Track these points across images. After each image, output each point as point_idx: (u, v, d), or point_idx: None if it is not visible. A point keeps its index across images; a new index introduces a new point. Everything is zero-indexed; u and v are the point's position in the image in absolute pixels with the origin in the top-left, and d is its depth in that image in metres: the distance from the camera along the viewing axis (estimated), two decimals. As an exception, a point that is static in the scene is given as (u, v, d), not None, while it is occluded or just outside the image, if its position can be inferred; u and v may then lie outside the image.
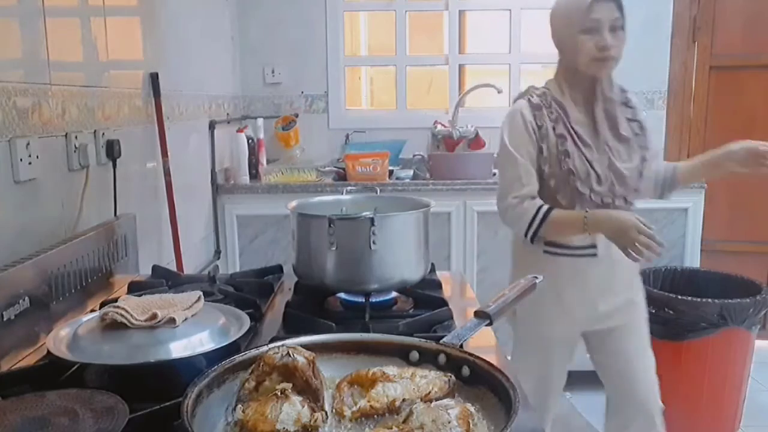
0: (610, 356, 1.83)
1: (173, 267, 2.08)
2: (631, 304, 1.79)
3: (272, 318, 1.28)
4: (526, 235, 1.65)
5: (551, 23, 1.69)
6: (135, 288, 1.40)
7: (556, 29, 1.69)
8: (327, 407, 0.79)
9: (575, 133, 1.63)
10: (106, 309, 1.04)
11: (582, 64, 1.62)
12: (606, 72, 1.64)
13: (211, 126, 2.72)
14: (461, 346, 0.90)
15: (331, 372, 0.87)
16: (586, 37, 1.59)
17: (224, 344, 0.99)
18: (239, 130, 2.96)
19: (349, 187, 1.60)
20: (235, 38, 3.27)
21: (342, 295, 1.35)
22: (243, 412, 0.73)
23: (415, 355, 0.90)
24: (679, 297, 2.45)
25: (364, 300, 1.29)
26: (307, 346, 0.83)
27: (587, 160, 1.62)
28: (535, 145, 1.63)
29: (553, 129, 1.63)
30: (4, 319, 1.07)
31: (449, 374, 0.84)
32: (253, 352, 0.84)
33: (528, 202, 1.63)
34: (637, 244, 1.50)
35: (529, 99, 1.68)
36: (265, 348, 0.85)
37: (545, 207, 1.62)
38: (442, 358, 0.88)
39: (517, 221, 1.65)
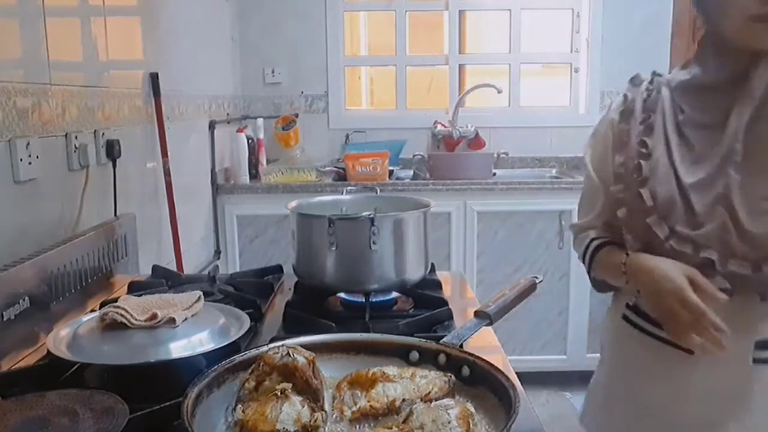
0: None
1: (173, 267, 2.08)
2: None
3: (272, 318, 1.28)
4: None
5: None
6: (135, 288, 1.40)
7: None
8: (327, 407, 0.79)
9: (679, 140, 1.07)
10: (106, 309, 1.04)
11: (730, 29, 0.98)
12: None
13: (211, 126, 2.72)
14: (461, 346, 0.90)
15: (331, 372, 0.86)
16: None
17: (224, 344, 0.98)
18: (239, 130, 2.96)
19: (349, 187, 1.60)
20: (235, 38, 3.27)
21: (342, 295, 1.35)
22: (243, 412, 0.73)
23: (415, 355, 0.90)
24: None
25: (364, 300, 1.29)
26: (307, 346, 0.83)
27: (680, 184, 1.04)
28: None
29: (643, 132, 1.11)
30: (4, 319, 1.07)
31: (449, 374, 0.84)
32: (253, 352, 0.84)
33: (582, 234, 1.22)
34: (679, 320, 0.99)
35: (625, 92, 1.18)
36: (265, 348, 0.85)
37: (596, 242, 1.18)
38: (442, 358, 0.88)
39: (579, 257, 1.25)
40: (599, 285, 1.22)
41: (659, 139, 1.09)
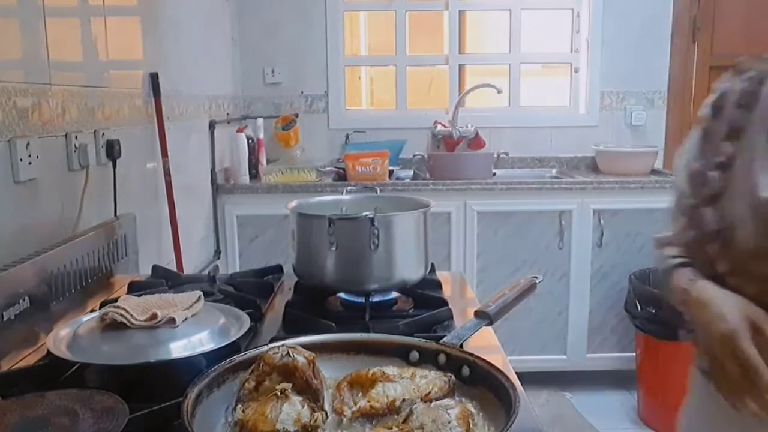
0: None
1: (173, 267, 2.08)
2: None
3: (272, 318, 1.28)
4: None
5: None
6: (135, 288, 1.40)
7: None
8: (327, 407, 0.79)
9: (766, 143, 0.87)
10: (106, 309, 1.04)
11: None
12: None
13: (211, 126, 2.72)
14: (461, 346, 0.90)
15: (331, 372, 0.86)
16: None
17: (224, 344, 0.98)
18: (239, 130, 2.96)
19: (349, 187, 1.60)
20: (235, 38, 3.27)
21: (342, 295, 1.35)
22: (243, 412, 0.73)
23: (415, 355, 0.90)
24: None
25: (364, 300, 1.29)
26: (307, 346, 0.83)
27: (755, 201, 0.85)
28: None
29: (726, 135, 0.92)
30: (4, 319, 1.07)
31: (449, 374, 0.84)
32: (253, 352, 0.84)
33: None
34: (726, 375, 0.80)
35: (722, 83, 0.99)
36: (265, 348, 0.85)
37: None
38: (442, 358, 0.88)
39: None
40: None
41: (747, 144, 0.89)
